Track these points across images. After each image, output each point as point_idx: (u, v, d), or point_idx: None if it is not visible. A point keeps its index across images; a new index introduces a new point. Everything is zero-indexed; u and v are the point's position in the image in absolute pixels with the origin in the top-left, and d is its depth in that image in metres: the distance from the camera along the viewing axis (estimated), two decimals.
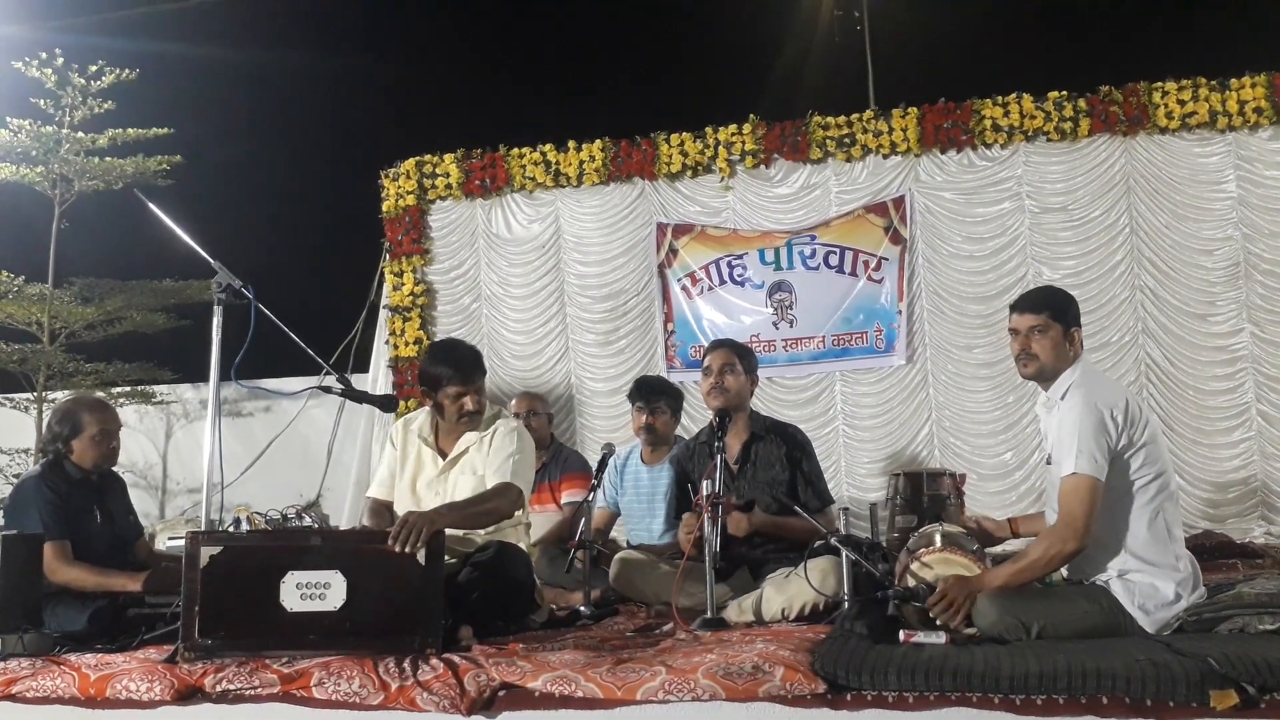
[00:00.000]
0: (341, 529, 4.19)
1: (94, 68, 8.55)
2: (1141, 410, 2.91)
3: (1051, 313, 3.03)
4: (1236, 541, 5.60)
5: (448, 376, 3.45)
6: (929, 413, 6.92)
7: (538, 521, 4.63)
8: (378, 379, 7.77)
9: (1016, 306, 3.12)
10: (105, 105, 8.64)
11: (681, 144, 7.22)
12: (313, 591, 2.80)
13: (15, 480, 5.12)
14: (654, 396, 4.72)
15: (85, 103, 8.58)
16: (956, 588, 2.82)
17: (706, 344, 5.61)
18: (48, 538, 3.42)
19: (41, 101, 8.56)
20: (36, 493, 3.56)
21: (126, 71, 8.62)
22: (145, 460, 8.56)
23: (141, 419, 8.61)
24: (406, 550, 2.84)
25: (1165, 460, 2.92)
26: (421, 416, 3.63)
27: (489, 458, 3.43)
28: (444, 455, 3.51)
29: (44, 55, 8.46)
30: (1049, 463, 3.04)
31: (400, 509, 3.50)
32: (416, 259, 7.64)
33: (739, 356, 3.91)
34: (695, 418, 6.55)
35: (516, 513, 3.46)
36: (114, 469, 3.89)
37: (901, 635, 2.69)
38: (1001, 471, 6.73)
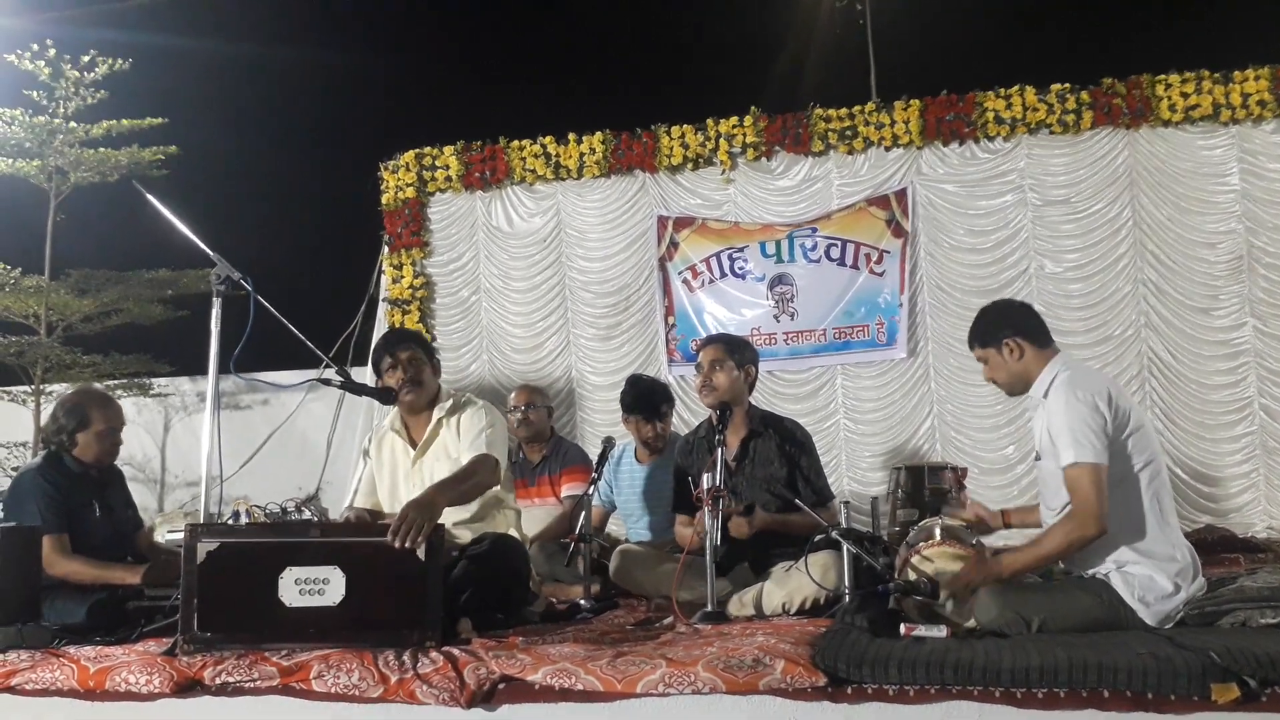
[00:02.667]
0: (340, 522, 4.18)
1: (86, 58, 8.53)
2: (1125, 398, 2.91)
3: (979, 342, 3.11)
4: (1238, 535, 5.61)
5: (379, 354, 3.62)
6: (930, 406, 6.91)
7: (539, 515, 4.63)
8: None
9: None
10: (99, 95, 8.61)
11: (682, 136, 7.19)
12: (311, 587, 2.80)
13: (14, 473, 5.09)
14: (655, 403, 4.67)
15: (79, 93, 8.56)
16: (976, 570, 2.81)
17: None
18: (46, 531, 3.41)
19: (35, 93, 8.54)
20: (35, 486, 3.56)
21: (120, 61, 8.59)
22: (143, 453, 8.55)
23: (140, 412, 8.59)
24: (407, 546, 2.83)
25: (1155, 448, 2.92)
26: (391, 413, 3.71)
27: (460, 439, 3.47)
28: (414, 445, 3.57)
29: (36, 47, 8.43)
30: (1038, 459, 3.04)
31: (388, 510, 3.55)
32: (416, 251, 7.62)
33: (729, 352, 3.85)
34: (696, 411, 6.54)
35: (497, 487, 3.48)
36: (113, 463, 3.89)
37: (902, 629, 2.69)
38: (1003, 465, 6.72)
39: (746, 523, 3.58)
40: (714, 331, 6.78)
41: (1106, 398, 2.84)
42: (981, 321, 3.14)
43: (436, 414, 3.54)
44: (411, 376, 3.53)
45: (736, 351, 3.89)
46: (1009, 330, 3.04)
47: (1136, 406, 2.98)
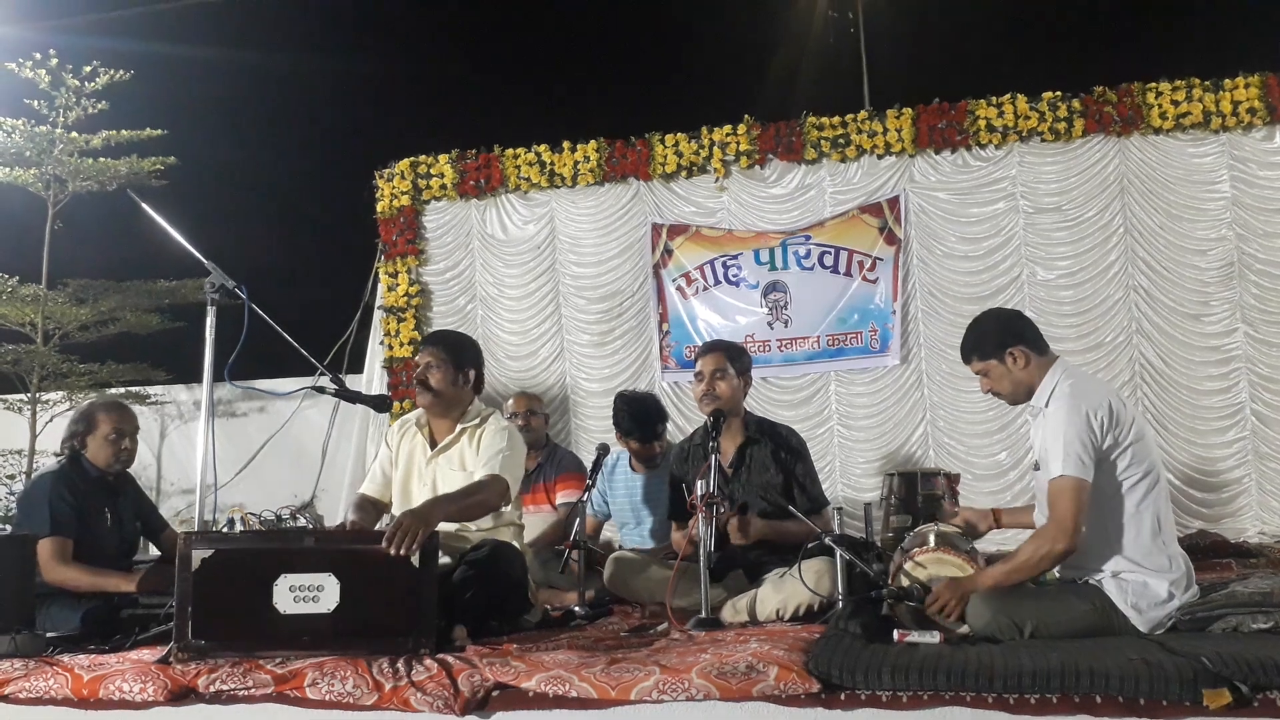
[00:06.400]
0: (335, 530, 4.20)
1: (88, 68, 8.54)
2: (1126, 409, 2.90)
3: (978, 355, 3.06)
4: (1230, 541, 5.62)
5: (419, 350, 3.69)
6: (923, 413, 6.93)
7: (533, 522, 4.63)
8: (372, 379, 7.77)
9: None
10: (99, 106, 8.62)
11: (676, 144, 7.22)
12: (306, 594, 2.79)
13: (20, 477, 5.08)
14: (651, 424, 4.66)
15: (79, 103, 8.56)
16: (949, 590, 2.83)
17: (701, 344, 5.61)
18: (49, 533, 3.42)
19: (35, 102, 8.55)
20: (52, 488, 3.57)
21: (120, 72, 8.61)
22: (139, 461, 8.45)
23: None
24: (401, 553, 2.83)
25: (1154, 458, 2.92)
26: (420, 410, 3.70)
27: (478, 454, 3.46)
28: (434, 445, 3.57)
29: (38, 56, 8.45)
30: (1036, 469, 3.04)
31: (396, 503, 3.56)
32: (411, 259, 7.64)
33: (730, 359, 3.86)
34: (690, 418, 6.55)
35: (505, 509, 3.48)
36: (127, 470, 3.91)
37: (895, 635, 2.69)
38: (996, 471, 6.74)
39: (744, 522, 3.56)
40: (708, 339, 6.79)
41: (1108, 409, 2.83)
42: (978, 334, 3.08)
43: (460, 425, 3.54)
44: (419, 376, 3.54)
45: (736, 359, 3.90)
46: (1012, 339, 3.00)
47: (1139, 416, 2.97)
